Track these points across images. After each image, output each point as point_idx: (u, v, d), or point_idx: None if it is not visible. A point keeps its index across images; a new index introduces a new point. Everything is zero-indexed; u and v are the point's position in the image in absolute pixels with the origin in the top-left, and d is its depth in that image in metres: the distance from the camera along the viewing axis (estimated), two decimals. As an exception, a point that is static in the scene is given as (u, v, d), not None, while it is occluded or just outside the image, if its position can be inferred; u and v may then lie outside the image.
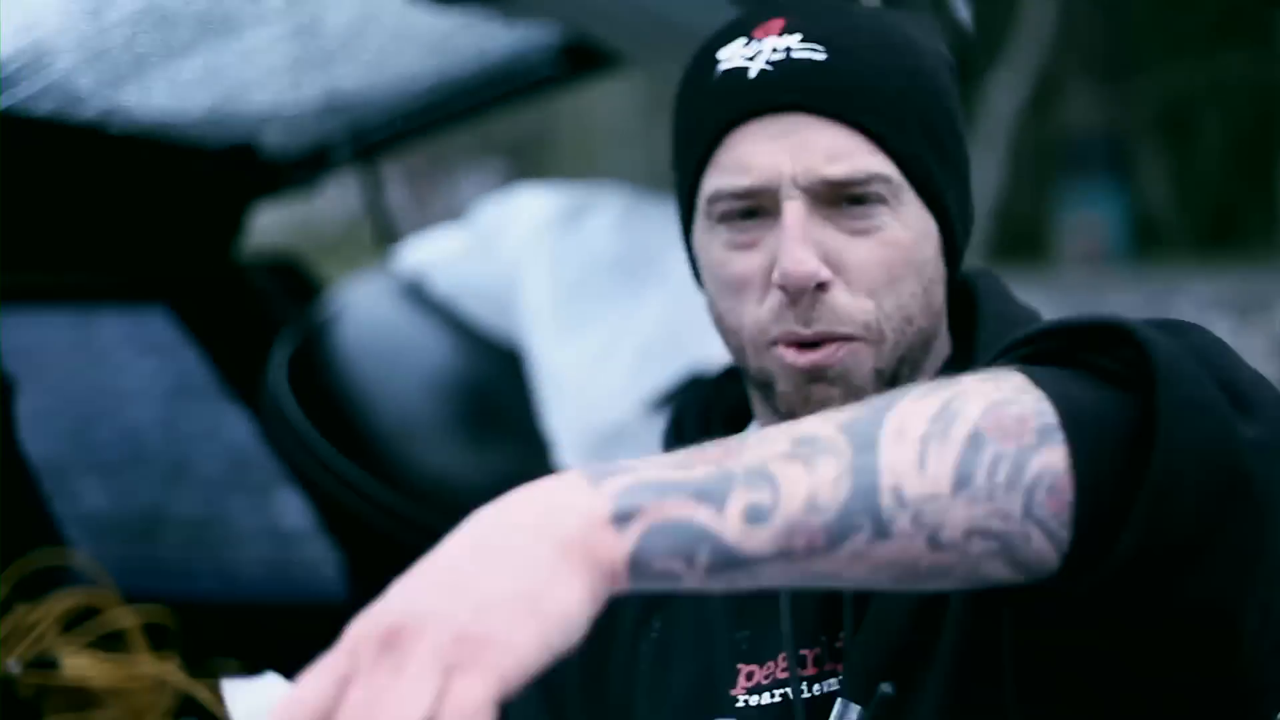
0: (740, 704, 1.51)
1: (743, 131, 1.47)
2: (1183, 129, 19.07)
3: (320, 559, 3.28)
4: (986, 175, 17.32)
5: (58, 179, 2.61)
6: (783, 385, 1.50)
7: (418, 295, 2.92)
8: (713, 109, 1.49)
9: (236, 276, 3.09)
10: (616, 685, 1.61)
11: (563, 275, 2.72)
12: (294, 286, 3.19)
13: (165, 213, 2.92)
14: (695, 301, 2.68)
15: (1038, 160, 18.61)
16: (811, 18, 1.49)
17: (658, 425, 2.63)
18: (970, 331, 1.56)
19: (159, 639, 2.74)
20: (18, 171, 2.51)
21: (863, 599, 1.47)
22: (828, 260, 1.45)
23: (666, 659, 1.59)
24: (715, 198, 1.49)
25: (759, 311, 1.49)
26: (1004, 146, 17.29)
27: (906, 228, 1.48)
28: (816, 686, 1.48)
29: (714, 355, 2.44)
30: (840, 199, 1.46)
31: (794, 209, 1.45)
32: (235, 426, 3.25)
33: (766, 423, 1.57)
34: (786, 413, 1.49)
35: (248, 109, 2.75)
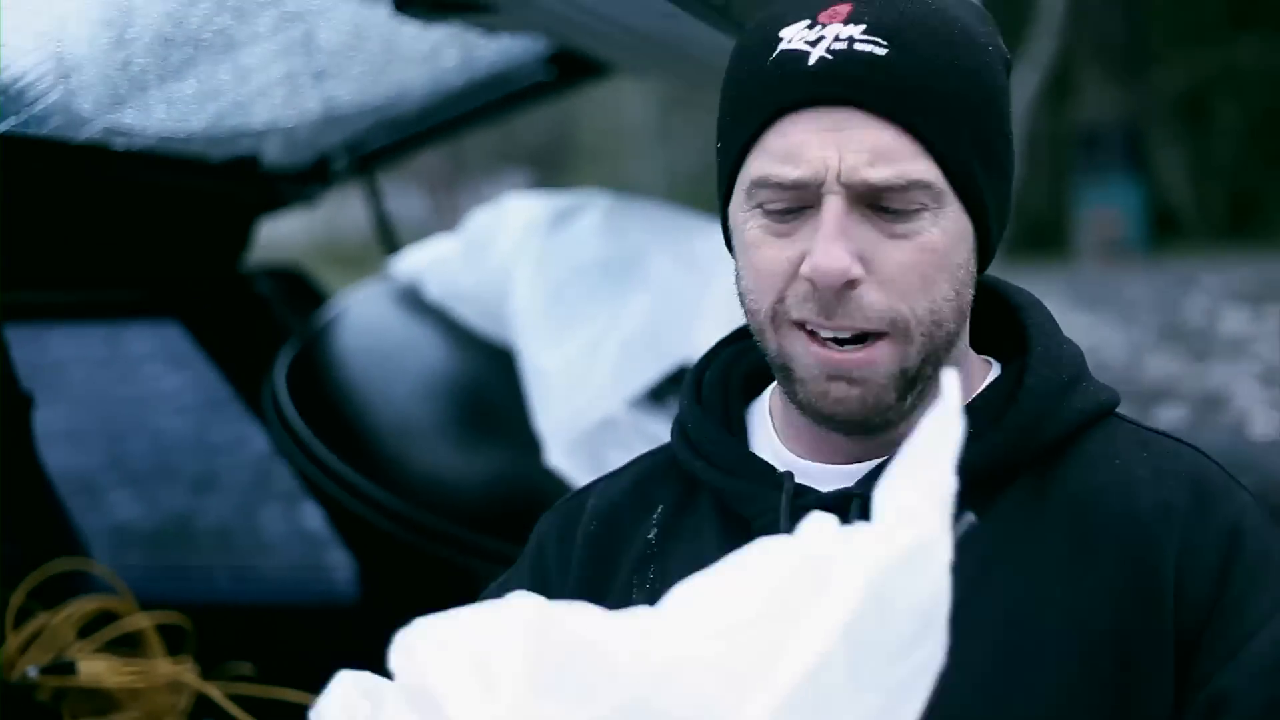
0: None
1: (794, 119, 1.46)
2: (1199, 119, 19.01)
3: (338, 564, 3.34)
4: None
5: (73, 199, 2.66)
6: (801, 373, 1.50)
7: (413, 300, 2.98)
8: (767, 91, 1.48)
9: (243, 286, 3.15)
10: None
11: (550, 277, 2.77)
12: (299, 293, 3.25)
13: (173, 228, 2.98)
14: (678, 300, 2.75)
15: (1054, 153, 18.56)
16: (878, 5, 1.47)
17: (643, 422, 2.71)
18: (1018, 358, 1.57)
19: (175, 643, 2.80)
20: (29, 192, 2.57)
21: None
22: (862, 258, 1.45)
23: None
24: (761, 183, 1.48)
25: (783, 295, 1.48)
26: (1019, 140, 17.30)
27: (944, 232, 1.47)
28: None
29: (697, 352, 2.50)
30: (881, 200, 1.45)
31: (834, 205, 1.44)
32: (259, 436, 3.31)
33: (784, 402, 1.57)
34: (805, 403, 1.50)
35: (248, 125, 2.80)
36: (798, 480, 1.56)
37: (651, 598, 1.55)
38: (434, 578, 3.06)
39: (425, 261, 3.03)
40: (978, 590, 1.45)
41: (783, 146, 1.46)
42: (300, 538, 3.54)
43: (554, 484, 2.62)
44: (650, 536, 1.63)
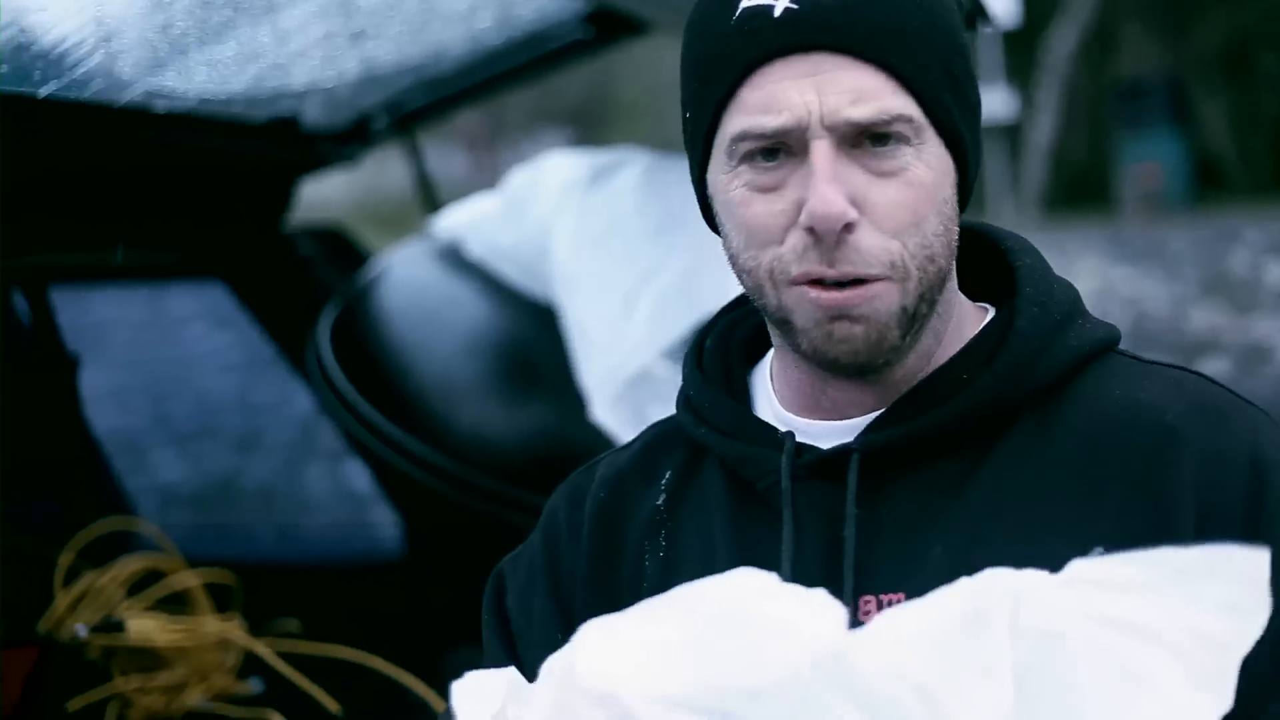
0: None
1: (768, 71, 1.45)
2: (1242, 70, 18.85)
3: (383, 521, 3.36)
4: (1046, 123, 17.19)
5: (111, 161, 2.68)
6: (803, 322, 1.48)
7: (455, 258, 3.00)
8: (736, 48, 1.47)
9: (285, 246, 3.17)
10: (623, 592, 1.61)
11: (589, 233, 2.79)
12: (341, 253, 3.27)
13: (217, 190, 3.00)
14: (712, 253, 2.76)
15: (1094, 107, 18.46)
16: None
17: (679, 373, 2.73)
18: (1009, 301, 1.56)
19: (223, 601, 2.83)
20: (72, 156, 2.59)
21: (866, 551, 1.49)
22: (854, 201, 1.44)
23: (669, 579, 1.56)
24: (741, 137, 1.47)
25: (780, 250, 1.47)
26: (1061, 94, 17.15)
27: (929, 167, 1.47)
28: None
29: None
30: (865, 139, 1.45)
31: (822, 149, 1.44)
32: (303, 394, 3.33)
33: (784, 358, 1.58)
34: (809, 350, 1.50)
35: (288, 86, 2.82)
36: (798, 440, 1.56)
37: (664, 564, 1.61)
38: (479, 534, 3.08)
39: (466, 220, 3.05)
40: (984, 539, 1.46)
41: (760, 98, 1.46)
42: (344, 496, 3.56)
43: (597, 439, 2.64)
44: (659, 503, 1.64)
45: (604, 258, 2.76)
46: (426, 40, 2.85)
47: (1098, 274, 10.84)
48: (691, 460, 1.65)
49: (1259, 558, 1.19)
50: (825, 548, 1.52)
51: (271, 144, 2.92)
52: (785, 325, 1.51)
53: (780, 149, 1.47)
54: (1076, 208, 15.90)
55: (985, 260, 1.63)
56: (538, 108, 20.50)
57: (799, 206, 1.45)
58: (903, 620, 1.26)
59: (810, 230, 1.45)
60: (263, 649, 2.78)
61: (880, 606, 1.48)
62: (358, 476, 3.43)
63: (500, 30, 2.90)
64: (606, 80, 20.26)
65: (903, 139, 1.46)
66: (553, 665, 1.31)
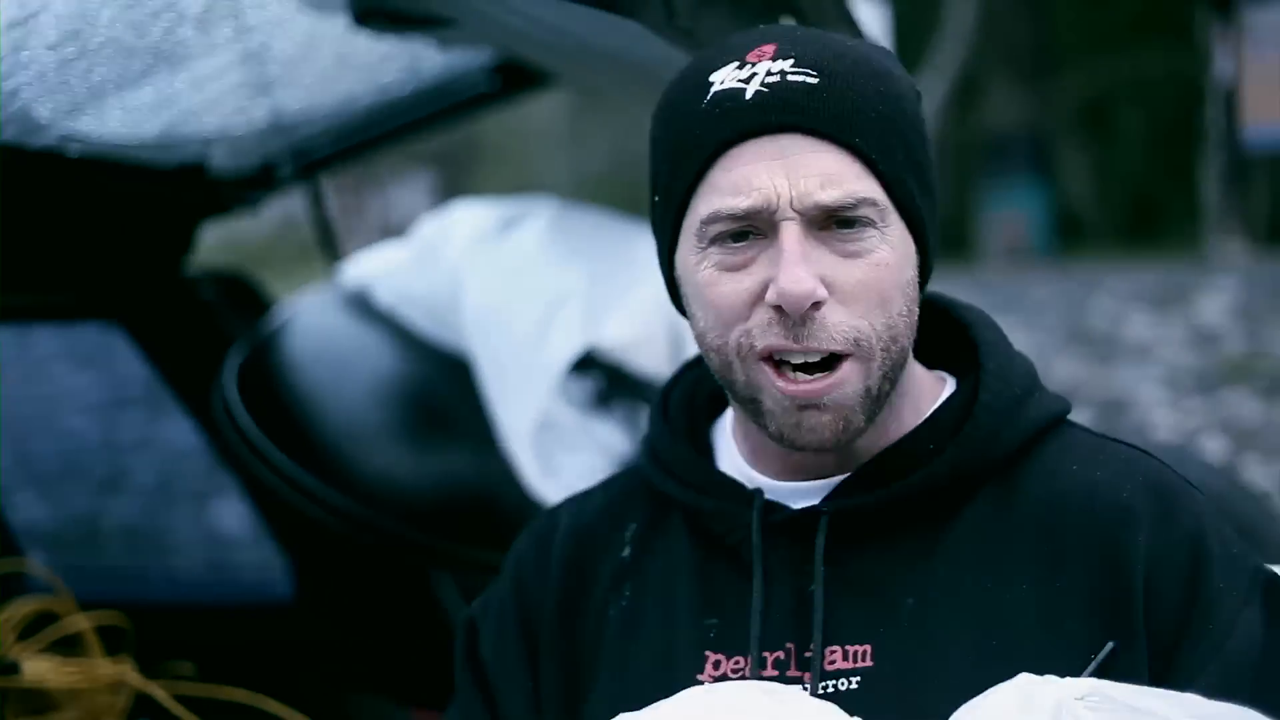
0: None
1: (739, 152, 1.51)
2: (1104, 125, 19.27)
3: (264, 563, 3.35)
4: None
5: (19, 204, 2.68)
6: (771, 405, 1.54)
7: (363, 306, 3.03)
8: (707, 129, 1.53)
9: (185, 290, 3.17)
10: (585, 638, 1.68)
11: (499, 275, 2.87)
12: (243, 298, 3.27)
13: (120, 233, 3.00)
14: (616, 279, 2.85)
15: (961, 158, 18.76)
16: (801, 44, 1.54)
17: (588, 424, 2.79)
18: (972, 374, 1.65)
19: (113, 643, 2.82)
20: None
21: (833, 606, 1.56)
22: (822, 279, 1.50)
23: (633, 630, 1.66)
24: (711, 219, 1.52)
25: (747, 325, 1.53)
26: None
27: (893, 249, 1.53)
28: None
29: (603, 339, 2.74)
30: (831, 221, 1.51)
31: (791, 230, 1.49)
32: (172, 436, 3.33)
33: (748, 423, 1.63)
34: (776, 435, 1.56)
35: (197, 132, 2.83)
36: (766, 498, 1.63)
37: (627, 614, 1.68)
38: (370, 578, 3.11)
39: (374, 267, 3.08)
40: (952, 595, 1.54)
41: (730, 180, 1.51)
42: (217, 538, 3.54)
43: (505, 486, 2.69)
44: (624, 554, 1.70)
45: (513, 296, 2.82)
46: (336, 90, 2.87)
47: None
48: (656, 513, 1.71)
49: None
50: (793, 601, 1.58)
51: (177, 188, 2.92)
52: (754, 405, 1.57)
53: (749, 231, 1.52)
54: (942, 256, 16.13)
55: (941, 330, 1.71)
56: (403, 151, 20.45)
57: (765, 285, 1.51)
58: None
59: (778, 308, 1.50)
60: (159, 692, 2.77)
61: (846, 657, 1.55)
62: (234, 519, 3.42)
63: (408, 81, 2.93)
64: (473, 123, 20.24)
65: (868, 222, 1.52)
66: None
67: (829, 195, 1.50)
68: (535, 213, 2.98)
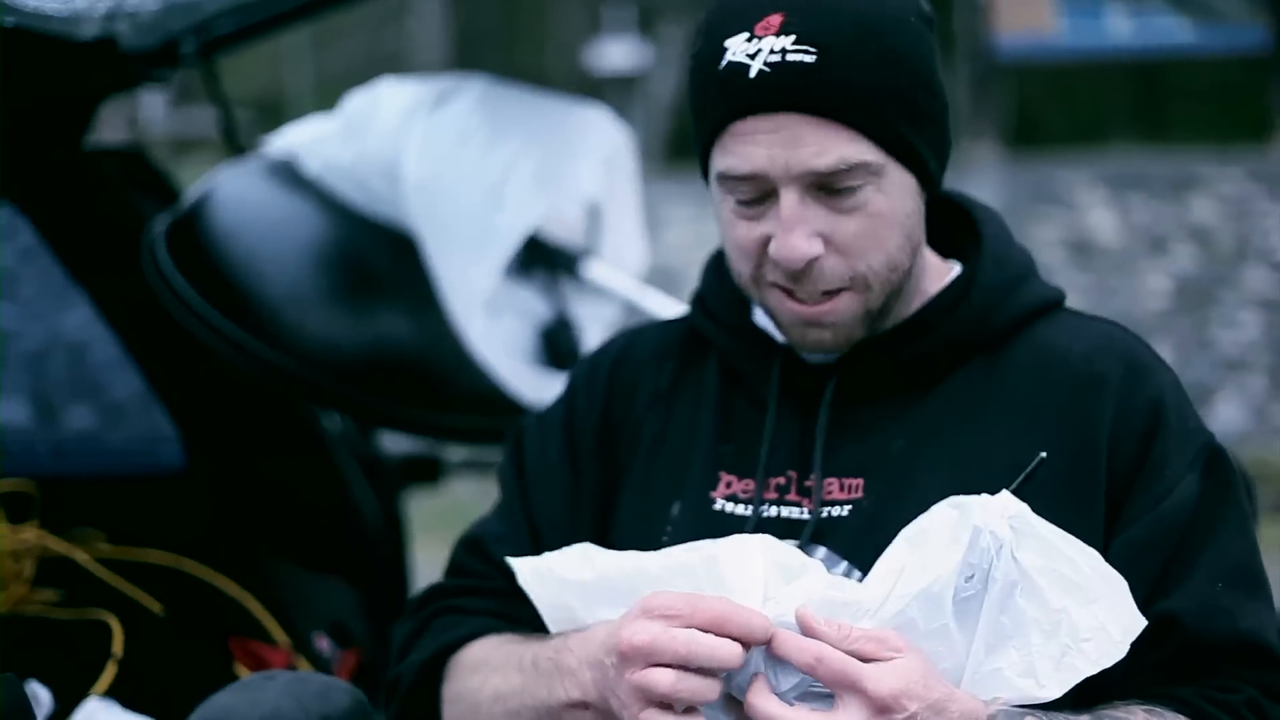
0: (717, 507, 1.84)
1: (743, 125, 1.72)
2: None
3: (154, 433, 3.36)
4: (668, 76, 17.44)
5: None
6: (782, 319, 1.81)
7: (289, 174, 3.10)
8: (719, 99, 1.74)
9: (87, 166, 3.18)
10: (621, 452, 1.94)
11: (441, 146, 2.98)
12: (145, 176, 3.30)
13: (23, 106, 3.00)
14: (566, 147, 2.97)
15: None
16: (803, 13, 1.71)
17: (511, 289, 2.91)
18: (973, 257, 1.87)
19: (20, 511, 2.84)
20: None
21: (833, 444, 1.80)
22: (820, 235, 1.73)
23: (658, 448, 1.91)
24: (723, 176, 1.75)
25: (758, 260, 1.77)
26: (684, 49, 17.34)
27: (889, 196, 1.74)
28: (783, 510, 1.81)
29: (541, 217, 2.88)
30: (829, 182, 1.72)
31: (789, 197, 1.72)
32: (67, 313, 3.35)
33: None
34: (787, 340, 1.83)
35: (102, 6, 2.84)
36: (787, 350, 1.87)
37: (657, 433, 1.92)
38: (259, 446, 3.18)
39: (301, 138, 3.16)
40: (936, 441, 1.78)
41: (736, 148, 1.73)
42: (110, 410, 3.53)
43: (441, 348, 2.82)
44: (663, 384, 1.94)
45: (462, 163, 2.94)
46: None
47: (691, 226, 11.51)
48: (695, 354, 1.95)
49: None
50: (799, 436, 1.82)
51: (88, 63, 2.94)
52: (770, 313, 1.83)
53: (757, 189, 1.74)
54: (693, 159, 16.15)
55: (956, 221, 1.93)
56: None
57: (770, 238, 1.74)
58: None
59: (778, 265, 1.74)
60: (81, 555, 2.81)
61: (842, 489, 1.79)
62: (126, 389, 3.41)
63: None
64: (277, 70, 19.72)
65: (862, 180, 1.72)
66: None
67: (822, 161, 1.71)
68: (464, 88, 3.09)
